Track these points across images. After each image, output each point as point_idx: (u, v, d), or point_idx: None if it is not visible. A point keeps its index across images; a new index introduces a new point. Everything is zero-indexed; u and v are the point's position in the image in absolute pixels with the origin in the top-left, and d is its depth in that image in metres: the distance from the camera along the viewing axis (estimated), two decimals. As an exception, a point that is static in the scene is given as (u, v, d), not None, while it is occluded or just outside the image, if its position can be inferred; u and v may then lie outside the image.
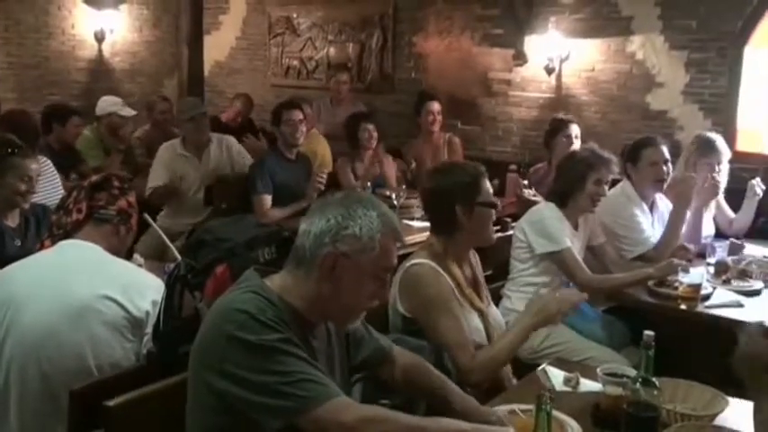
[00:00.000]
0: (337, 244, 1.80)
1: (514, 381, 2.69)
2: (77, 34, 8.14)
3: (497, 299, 3.42)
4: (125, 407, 2.01)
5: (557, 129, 5.22)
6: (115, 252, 2.58)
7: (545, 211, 3.57)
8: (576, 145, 5.15)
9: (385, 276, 1.89)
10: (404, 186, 5.28)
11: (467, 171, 2.75)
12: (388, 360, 2.16)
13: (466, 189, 2.69)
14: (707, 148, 4.29)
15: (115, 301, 2.38)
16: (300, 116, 5.06)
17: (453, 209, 2.68)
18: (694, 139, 4.45)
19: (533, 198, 5.16)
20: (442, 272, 2.63)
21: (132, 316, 2.40)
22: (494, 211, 2.74)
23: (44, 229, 3.14)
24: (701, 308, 3.27)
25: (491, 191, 2.75)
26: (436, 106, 6.06)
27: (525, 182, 5.48)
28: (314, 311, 1.86)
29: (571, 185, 3.58)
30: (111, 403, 1.99)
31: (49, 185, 4.22)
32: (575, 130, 5.18)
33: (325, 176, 5.01)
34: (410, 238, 3.89)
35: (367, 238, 1.81)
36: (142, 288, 2.45)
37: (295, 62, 8.09)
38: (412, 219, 4.68)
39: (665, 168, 4.03)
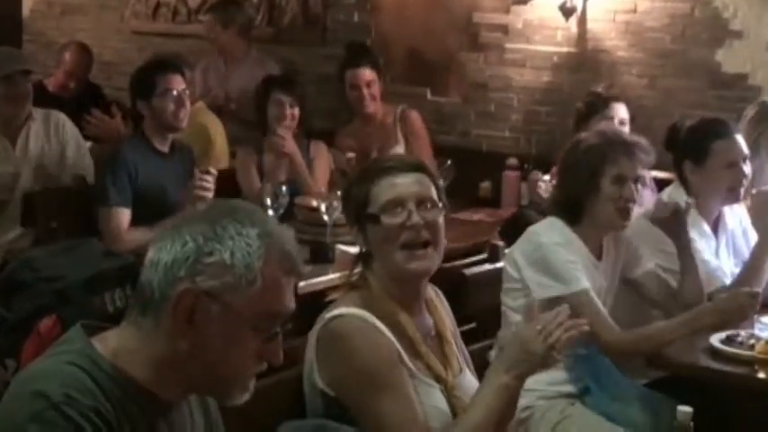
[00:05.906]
0: (197, 278, 1.86)
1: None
2: None
3: (483, 364, 3.47)
4: None
5: (592, 109, 5.24)
6: None
7: (546, 234, 3.68)
8: None
9: (272, 327, 1.93)
10: (339, 193, 5.29)
11: (361, 172, 2.93)
12: None
13: (352, 200, 2.84)
14: None
15: None
16: (183, 84, 5.10)
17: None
18: (756, 108, 4.74)
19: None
20: (378, 324, 2.70)
21: None
22: (395, 227, 2.72)
23: None
24: (788, 376, 3.41)
25: (394, 195, 2.74)
26: (366, 74, 6.04)
27: (546, 177, 5.45)
28: (168, 383, 1.91)
29: (579, 190, 3.69)
30: None
31: None
32: (620, 111, 5.21)
33: (213, 176, 4.95)
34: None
35: (242, 268, 1.87)
36: None
37: (169, -4, 8.13)
38: (352, 243, 4.73)
39: (745, 169, 4.15)
